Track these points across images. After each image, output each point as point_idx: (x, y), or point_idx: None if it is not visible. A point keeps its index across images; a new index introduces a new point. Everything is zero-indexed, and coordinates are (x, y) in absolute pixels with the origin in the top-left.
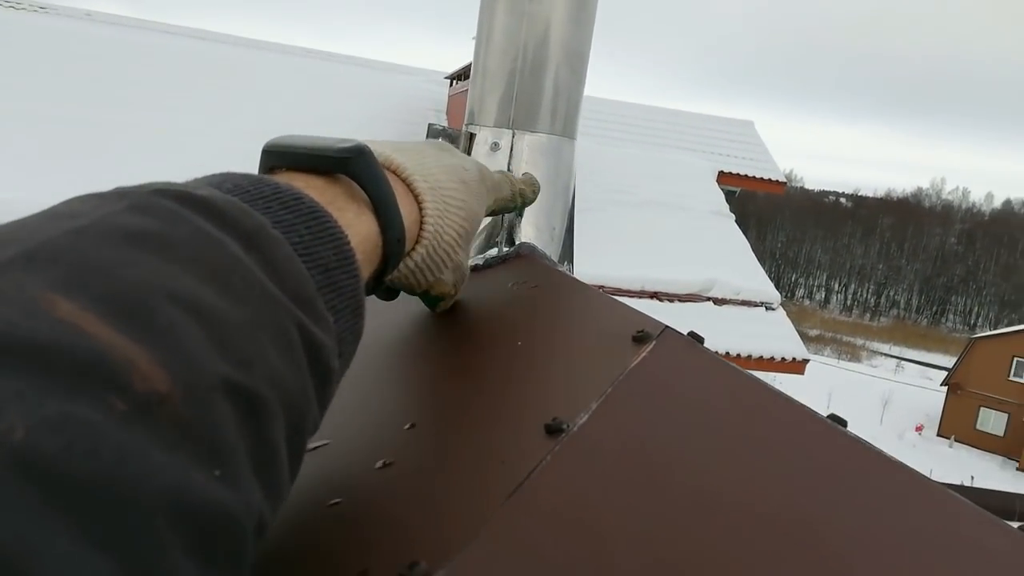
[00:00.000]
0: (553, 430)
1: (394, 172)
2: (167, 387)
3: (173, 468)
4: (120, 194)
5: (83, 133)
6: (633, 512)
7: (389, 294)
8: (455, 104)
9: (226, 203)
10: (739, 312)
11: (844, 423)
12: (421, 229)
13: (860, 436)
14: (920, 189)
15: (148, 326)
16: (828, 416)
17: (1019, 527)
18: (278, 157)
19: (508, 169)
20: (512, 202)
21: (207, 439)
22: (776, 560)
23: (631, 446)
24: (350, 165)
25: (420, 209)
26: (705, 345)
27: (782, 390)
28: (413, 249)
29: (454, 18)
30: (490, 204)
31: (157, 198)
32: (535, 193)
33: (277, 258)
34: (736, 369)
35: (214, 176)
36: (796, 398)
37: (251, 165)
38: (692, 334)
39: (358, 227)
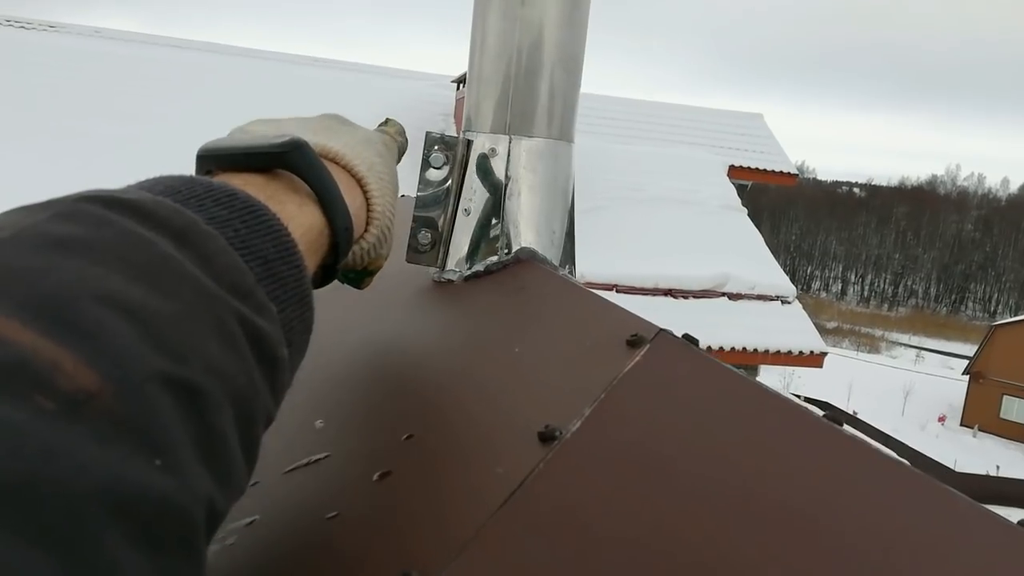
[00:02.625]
0: (546, 437)
1: (332, 160)
2: (96, 384)
3: (107, 461)
4: (46, 204)
5: (96, 147)
6: (627, 518)
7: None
8: (462, 107)
9: (155, 204)
10: (755, 307)
11: (840, 421)
12: (369, 211)
13: (857, 433)
14: (935, 176)
15: (73, 327)
16: (825, 413)
17: None
18: (213, 160)
19: (506, 176)
20: (399, 158)
21: (145, 431)
22: (774, 560)
23: (625, 451)
24: (287, 159)
25: (365, 193)
26: (719, 341)
27: (799, 384)
28: (366, 231)
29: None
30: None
31: (83, 204)
32: (404, 137)
33: (211, 253)
34: (731, 371)
35: (147, 181)
36: (816, 392)
37: None
38: (687, 336)
39: (300, 219)
